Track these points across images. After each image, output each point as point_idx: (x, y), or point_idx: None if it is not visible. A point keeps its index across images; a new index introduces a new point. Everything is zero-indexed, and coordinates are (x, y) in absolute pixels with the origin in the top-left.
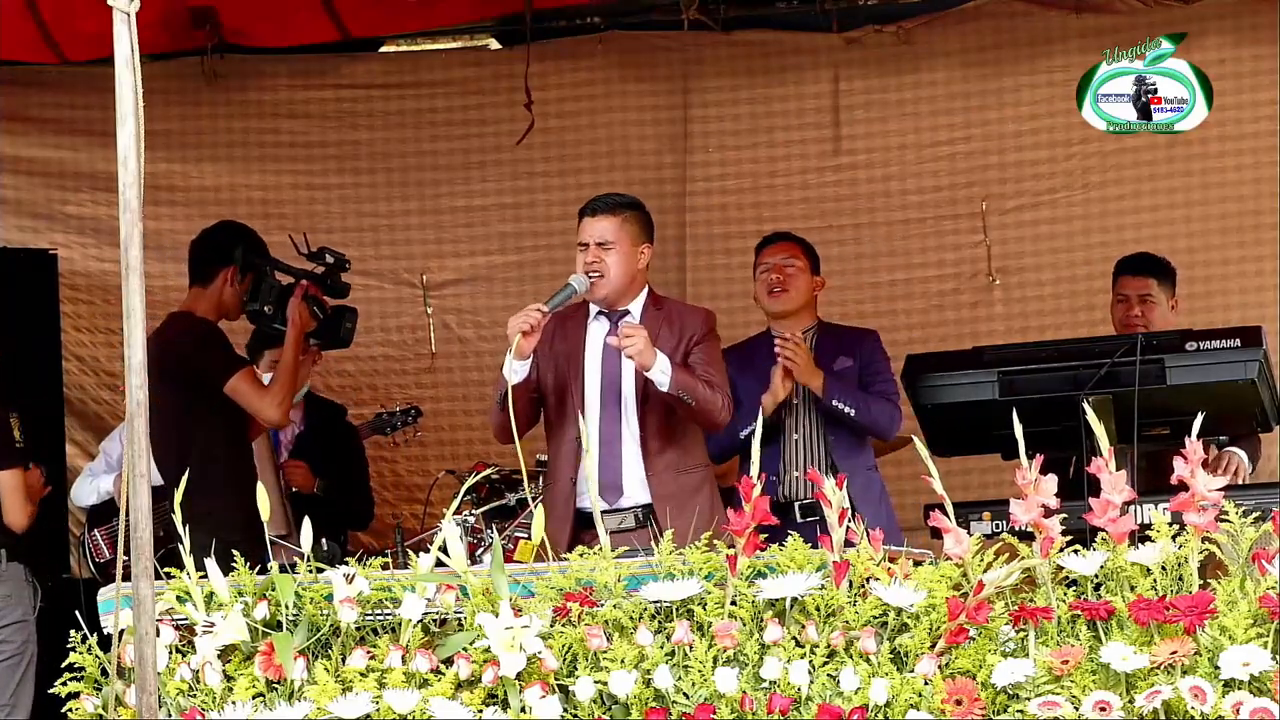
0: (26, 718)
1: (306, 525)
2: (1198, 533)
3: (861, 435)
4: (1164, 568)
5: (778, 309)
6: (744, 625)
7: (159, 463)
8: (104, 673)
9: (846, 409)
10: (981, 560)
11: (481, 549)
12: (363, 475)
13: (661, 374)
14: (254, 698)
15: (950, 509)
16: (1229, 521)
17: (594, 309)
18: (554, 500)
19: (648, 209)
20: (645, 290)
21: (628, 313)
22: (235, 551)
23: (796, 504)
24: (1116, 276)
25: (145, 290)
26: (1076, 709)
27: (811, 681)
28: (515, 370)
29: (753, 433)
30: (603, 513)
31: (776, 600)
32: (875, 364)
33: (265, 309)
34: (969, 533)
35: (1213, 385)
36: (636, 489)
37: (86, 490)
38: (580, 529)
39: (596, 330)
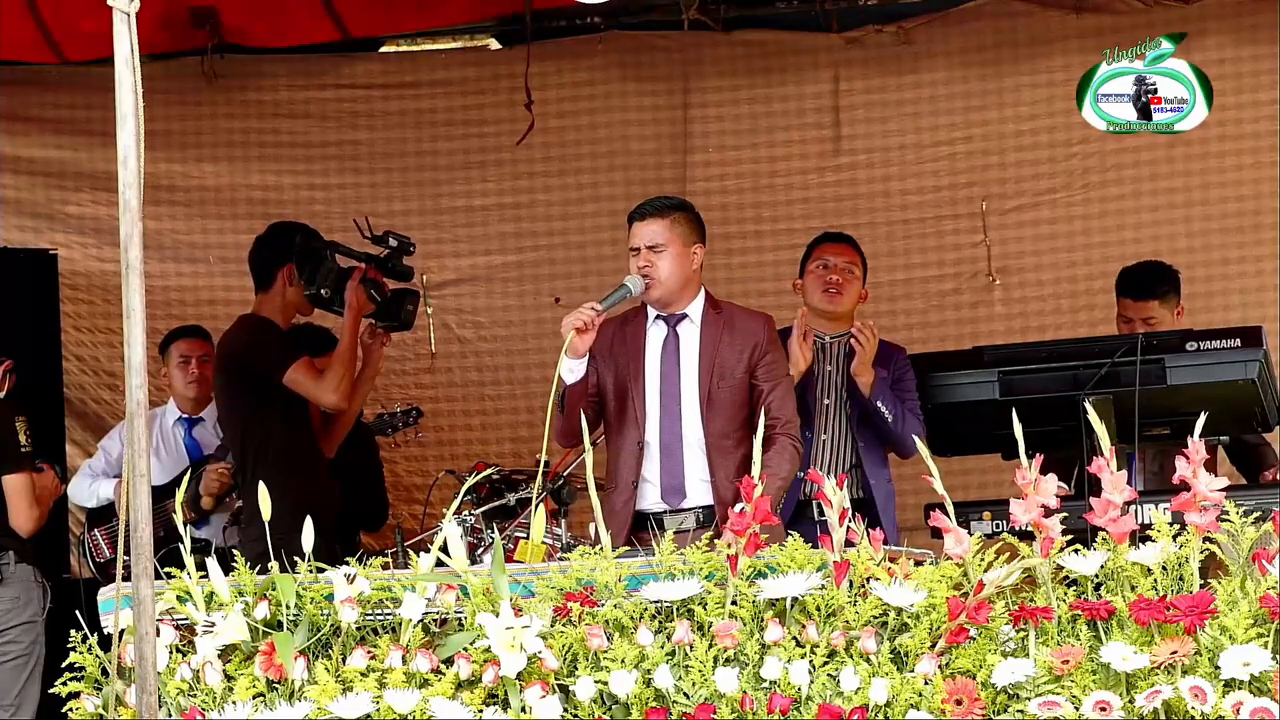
0: (31, 718)
1: (308, 525)
2: (1198, 533)
3: (884, 445)
4: (1164, 568)
5: (830, 309)
6: (744, 625)
7: (234, 458)
8: (104, 673)
9: (886, 413)
10: (982, 560)
11: (481, 549)
12: (377, 476)
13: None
14: (254, 698)
15: (950, 509)
16: (1230, 521)
17: (653, 313)
18: (613, 503)
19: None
20: (702, 292)
21: (685, 316)
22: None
23: (815, 502)
24: (1119, 295)
25: (145, 290)
26: (1076, 709)
27: (812, 681)
28: (570, 369)
29: None
30: (665, 513)
31: (777, 600)
32: (905, 380)
33: (323, 292)
34: (969, 532)
35: (1213, 385)
36: (699, 491)
37: (85, 492)
38: (637, 530)
39: (655, 334)
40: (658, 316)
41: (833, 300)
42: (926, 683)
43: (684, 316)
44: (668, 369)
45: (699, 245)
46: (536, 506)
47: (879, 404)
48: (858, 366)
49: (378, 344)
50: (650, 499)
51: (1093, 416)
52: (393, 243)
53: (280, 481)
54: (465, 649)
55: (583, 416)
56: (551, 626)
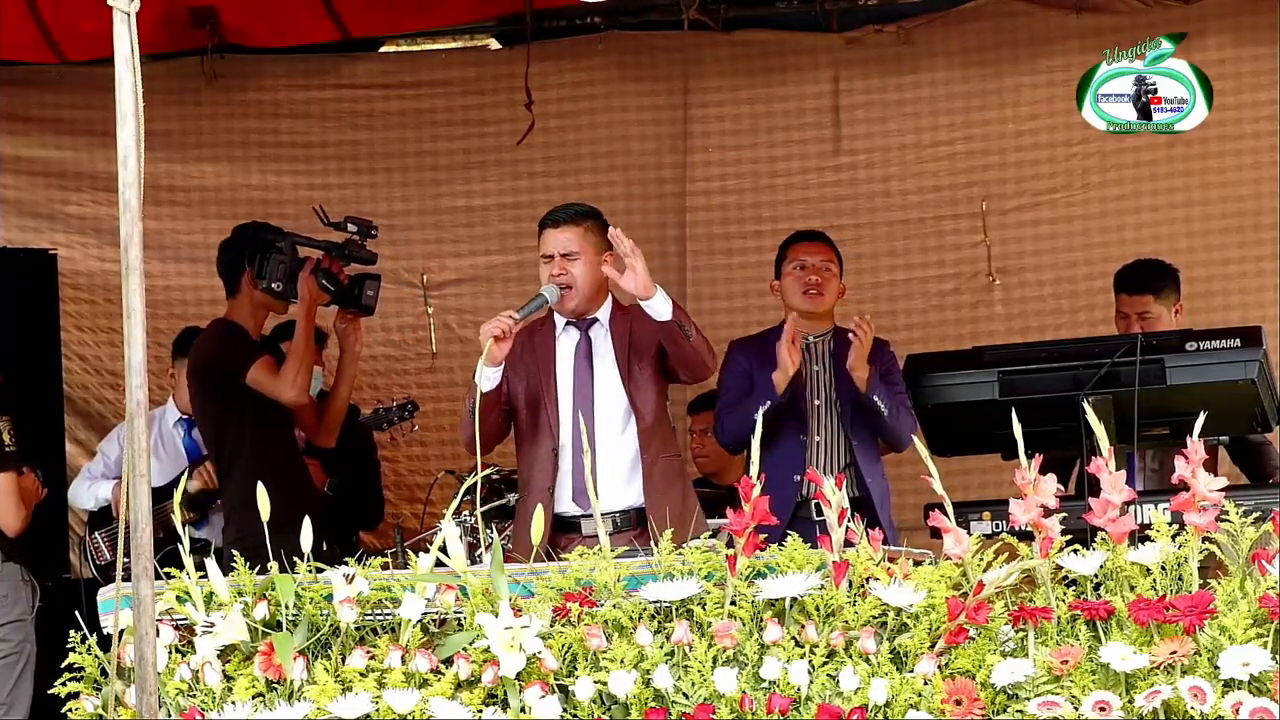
0: (24, 717)
1: (306, 525)
2: (1198, 533)
3: (878, 442)
4: (1164, 568)
5: (812, 309)
6: (743, 625)
7: (213, 462)
8: (104, 673)
9: (883, 407)
10: (981, 560)
11: (481, 549)
12: (374, 475)
13: (662, 301)
14: (254, 698)
15: (950, 509)
16: (1229, 521)
17: (562, 321)
18: (530, 509)
19: (604, 215)
20: (610, 297)
21: (596, 320)
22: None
23: (813, 502)
24: (1116, 291)
25: (145, 290)
26: (1076, 709)
27: (811, 681)
28: (488, 377)
29: (767, 410)
30: (580, 517)
31: (776, 600)
32: (893, 373)
33: (274, 286)
34: (969, 533)
35: (1213, 385)
36: (613, 493)
37: (84, 495)
38: (556, 533)
39: (567, 340)
40: (568, 323)
41: (814, 301)
42: (926, 683)
43: (595, 321)
44: (580, 372)
45: (610, 252)
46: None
47: (875, 399)
48: (854, 361)
49: (351, 329)
50: (564, 502)
51: (1092, 417)
52: (352, 228)
53: (252, 486)
54: (465, 649)
55: (478, 420)
56: (551, 626)
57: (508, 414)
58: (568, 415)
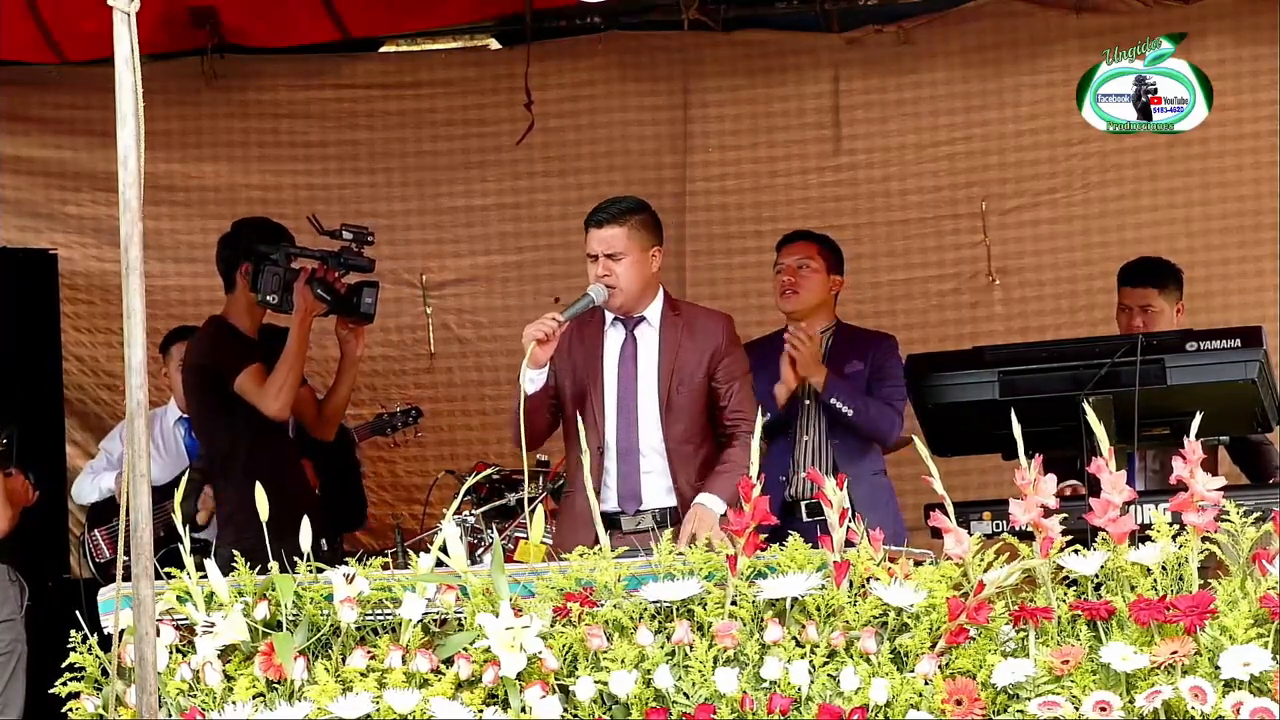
0: (18, 717)
1: (305, 525)
2: (1198, 533)
3: (865, 440)
4: (1164, 568)
5: (788, 309)
6: (744, 625)
7: (205, 462)
8: (104, 673)
9: (844, 409)
10: (982, 560)
11: (481, 549)
12: (356, 476)
13: (718, 504)
14: (254, 698)
15: (950, 509)
16: (1229, 521)
17: (610, 315)
18: (577, 505)
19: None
20: (661, 293)
21: (644, 319)
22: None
23: (803, 503)
24: (1119, 285)
25: (145, 290)
26: (1076, 709)
27: (811, 681)
28: (531, 379)
29: (765, 423)
30: (621, 515)
31: (777, 600)
32: (884, 369)
33: (270, 298)
34: (969, 533)
35: (1213, 385)
36: (656, 496)
37: (88, 488)
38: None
39: (614, 338)
40: (615, 319)
41: (789, 300)
42: (926, 683)
43: (642, 319)
44: (625, 374)
45: (657, 248)
46: (535, 507)
47: (833, 401)
48: (800, 370)
49: (352, 337)
50: (610, 503)
51: (1092, 417)
52: (347, 235)
53: (248, 487)
54: (465, 649)
55: (522, 421)
56: (551, 626)
57: (555, 409)
58: (612, 414)
